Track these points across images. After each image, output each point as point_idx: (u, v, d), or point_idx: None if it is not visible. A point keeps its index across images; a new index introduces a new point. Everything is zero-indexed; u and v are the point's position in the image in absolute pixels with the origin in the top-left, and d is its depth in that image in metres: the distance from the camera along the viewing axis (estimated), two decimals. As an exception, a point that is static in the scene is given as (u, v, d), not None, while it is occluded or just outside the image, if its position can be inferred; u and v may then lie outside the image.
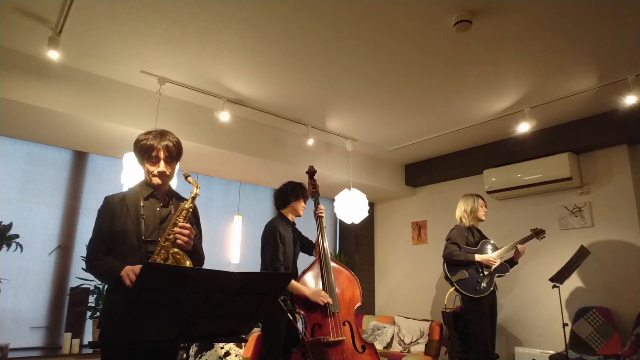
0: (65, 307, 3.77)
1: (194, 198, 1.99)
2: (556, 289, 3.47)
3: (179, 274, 1.35)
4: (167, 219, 1.97)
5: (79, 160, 4.10)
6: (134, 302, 1.28)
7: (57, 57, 2.78)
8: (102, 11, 2.62)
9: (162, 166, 1.96)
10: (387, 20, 2.66)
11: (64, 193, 3.97)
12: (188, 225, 1.89)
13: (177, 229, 1.86)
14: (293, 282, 2.89)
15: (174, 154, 2.00)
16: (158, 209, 1.99)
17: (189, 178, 2.01)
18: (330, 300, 2.87)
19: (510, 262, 3.61)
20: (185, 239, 1.86)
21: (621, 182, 3.97)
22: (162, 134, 1.99)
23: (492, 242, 3.66)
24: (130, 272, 1.74)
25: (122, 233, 1.89)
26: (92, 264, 1.88)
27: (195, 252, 1.98)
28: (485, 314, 3.39)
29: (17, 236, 3.44)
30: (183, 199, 2.08)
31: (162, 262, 1.80)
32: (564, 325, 3.35)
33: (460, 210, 3.77)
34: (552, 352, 3.81)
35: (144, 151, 1.95)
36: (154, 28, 2.78)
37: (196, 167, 4.53)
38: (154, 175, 1.96)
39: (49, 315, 3.73)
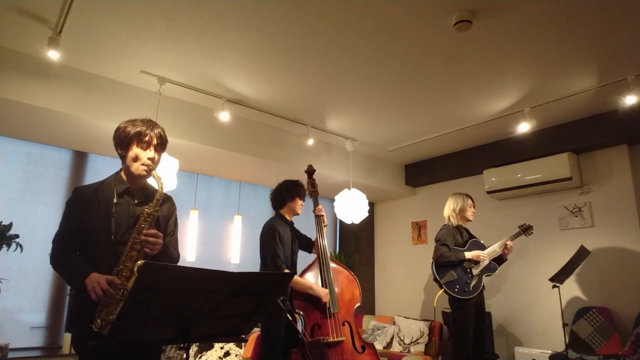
0: (65, 307, 3.77)
1: (158, 199, 1.76)
2: (556, 289, 3.47)
3: (179, 274, 1.35)
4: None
5: (79, 160, 4.10)
6: (133, 302, 1.28)
7: (57, 57, 2.77)
8: (102, 11, 2.62)
9: (152, 152, 1.81)
10: (387, 20, 2.66)
11: (64, 193, 3.96)
12: (153, 231, 1.72)
13: (142, 237, 1.69)
14: (296, 277, 2.90)
15: (165, 142, 1.88)
16: (132, 206, 1.80)
17: (152, 172, 1.80)
18: (327, 300, 2.88)
19: (499, 261, 3.60)
20: (152, 247, 1.70)
21: (621, 182, 3.97)
22: (152, 122, 1.86)
23: (480, 241, 3.64)
24: (96, 285, 1.56)
25: (90, 231, 1.72)
26: (57, 262, 1.74)
27: (165, 253, 1.80)
28: (471, 315, 3.38)
29: (17, 236, 3.43)
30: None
31: (126, 277, 1.64)
32: (564, 325, 3.35)
33: (449, 208, 3.73)
34: (552, 352, 3.80)
35: (133, 137, 1.79)
36: (154, 28, 2.78)
37: (196, 167, 4.53)
38: (142, 163, 1.79)
39: (49, 315, 3.73)
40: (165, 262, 1.70)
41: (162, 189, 1.77)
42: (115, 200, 1.78)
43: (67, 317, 3.71)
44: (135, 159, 1.81)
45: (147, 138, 1.80)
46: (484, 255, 3.46)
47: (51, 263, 1.78)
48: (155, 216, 1.78)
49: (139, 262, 1.66)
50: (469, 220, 3.72)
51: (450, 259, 3.45)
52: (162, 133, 1.86)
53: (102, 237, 1.72)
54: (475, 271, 3.45)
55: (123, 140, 1.82)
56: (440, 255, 3.49)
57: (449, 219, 3.72)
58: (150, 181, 1.93)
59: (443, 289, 3.44)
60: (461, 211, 3.67)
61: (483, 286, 3.50)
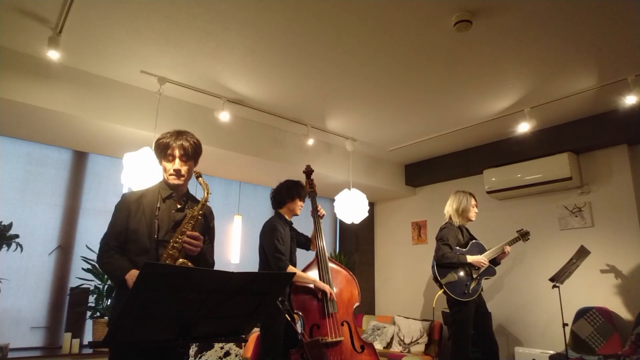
0: (65, 307, 3.77)
1: (204, 204, 1.97)
2: (556, 289, 3.47)
3: (179, 274, 1.35)
4: (181, 223, 1.96)
5: (79, 160, 4.10)
6: (134, 302, 1.28)
7: (57, 57, 2.78)
8: (102, 11, 2.62)
9: (177, 164, 1.96)
10: (387, 20, 2.66)
11: (64, 193, 3.97)
12: (196, 233, 1.88)
13: (185, 238, 1.85)
14: (298, 272, 2.90)
15: (190, 153, 1.99)
16: (174, 211, 1.98)
17: (200, 179, 2.01)
18: (328, 289, 2.88)
19: (493, 263, 3.59)
20: (193, 248, 1.86)
21: (621, 182, 3.97)
22: (179, 133, 2.01)
23: (480, 243, 3.64)
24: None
25: (134, 232, 1.89)
26: (102, 261, 1.89)
27: (202, 258, 1.96)
28: (470, 317, 3.37)
29: (17, 236, 3.44)
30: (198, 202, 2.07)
31: None
32: (564, 325, 3.34)
33: (451, 207, 3.65)
34: (552, 352, 3.80)
35: (161, 149, 1.98)
36: (154, 28, 2.79)
37: (197, 167, 4.52)
38: (170, 174, 1.97)
39: (49, 315, 3.73)
40: (202, 267, 1.91)
41: (208, 194, 1.98)
42: (158, 205, 1.95)
43: (68, 317, 3.72)
44: (165, 170, 2.00)
45: (169, 151, 1.97)
46: (485, 262, 3.46)
47: (97, 262, 1.97)
48: (198, 219, 1.93)
49: (180, 260, 1.82)
50: (471, 220, 3.68)
51: (452, 261, 3.42)
52: (186, 144, 1.98)
53: (144, 237, 1.88)
54: (475, 273, 3.45)
55: (156, 154, 2.03)
56: (442, 255, 3.45)
57: (450, 218, 3.66)
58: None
59: (443, 290, 3.43)
60: (464, 212, 3.61)
61: (482, 288, 3.50)
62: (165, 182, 2.03)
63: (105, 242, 1.91)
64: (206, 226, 2.07)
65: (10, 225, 3.42)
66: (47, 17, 2.68)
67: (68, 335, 3.54)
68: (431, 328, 4.67)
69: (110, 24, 2.75)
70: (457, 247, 3.52)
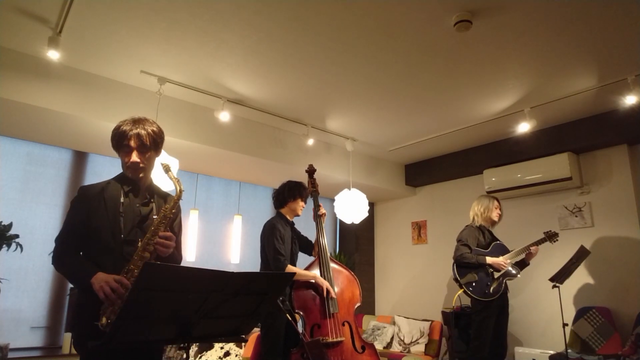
0: (65, 307, 3.77)
1: (176, 202, 1.78)
2: (556, 289, 3.47)
3: (179, 274, 1.35)
4: (148, 218, 1.80)
5: (79, 160, 4.10)
6: (134, 302, 1.28)
7: (57, 57, 2.77)
8: (102, 11, 2.62)
9: (134, 156, 1.76)
10: (387, 21, 2.66)
11: (64, 193, 3.96)
12: (169, 234, 1.74)
13: (158, 239, 1.69)
14: (298, 269, 2.91)
15: (148, 142, 1.79)
16: (138, 205, 1.80)
17: (169, 173, 1.78)
18: (327, 285, 2.89)
19: (521, 264, 3.61)
20: (166, 250, 1.71)
21: (621, 182, 3.97)
22: (136, 121, 1.81)
23: (503, 244, 3.66)
24: (104, 284, 1.55)
25: (96, 230, 1.70)
26: (60, 262, 1.71)
27: (172, 257, 1.80)
28: (491, 318, 3.40)
29: (17, 236, 3.43)
30: (166, 196, 1.90)
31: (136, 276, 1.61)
32: (564, 325, 3.34)
33: (474, 210, 3.79)
34: (552, 352, 3.80)
35: (117, 139, 1.79)
36: (154, 28, 2.78)
37: (196, 167, 4.53)
38: (127, 167, 1.79)
39: (49, 315, 3.73)
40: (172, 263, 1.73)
41: (180, 191, 1.78)
42: (122, 200, 1.77)
43: (68, 317, 3.72)
44: (122, 162, 1.82)
45: (125, 142, 1.78)
46: (504, 265, 3.47)
47: (53, 263, 1.75)
48: (171, 219, 1.77)
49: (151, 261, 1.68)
50: (495, 222, 3.76)
51: (470, 261, 3.47)
52: (143, 132, 1.78)
53: (108, 236, 1.71)
54: (496, 274, 3.46)
55: (112, 143, 1.83)
56: (460, 256, 3.52)
57: (473, 220, 3.77)
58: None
59: (463, 289, 3.46)
60: (486, 211, 3.70)
61: (506, 286, 3.52)
62: (125, 175, 1.84)
63: (62, 241, 1.73)
64: (173, 220, 1.88)
65: (10, 225, 3.41)
66: (47, 17, 2.67)
67: (68, 335, 3.54)
68: (431, 328, 4.67)
69: (110, 24, 2.75)
70: (478, 248, 3.55)
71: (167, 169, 1.79)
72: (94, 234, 1.71)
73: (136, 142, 1.77)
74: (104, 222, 1.72)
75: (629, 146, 4.01)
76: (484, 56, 3.04)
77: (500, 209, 3.78)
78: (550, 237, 3.63)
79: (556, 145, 4.21)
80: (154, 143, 1.83)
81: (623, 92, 3.38)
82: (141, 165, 1.79)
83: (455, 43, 2.89)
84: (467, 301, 3.98)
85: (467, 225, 3.75)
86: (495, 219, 3.74)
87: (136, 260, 1.67)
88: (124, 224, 1.74)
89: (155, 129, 1.85)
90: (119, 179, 1.84)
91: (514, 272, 3.56)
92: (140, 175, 1.81)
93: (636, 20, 2.62)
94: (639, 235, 3.77)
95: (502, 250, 3.62)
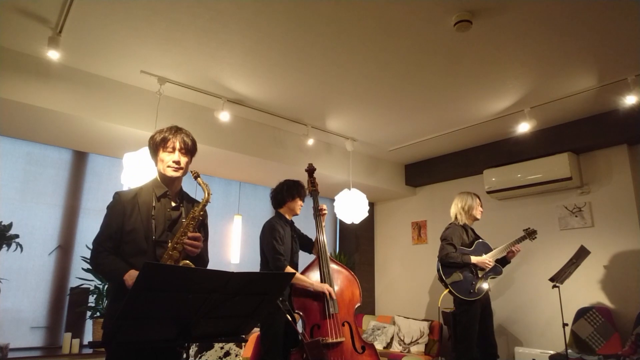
0: (65, 307, 3.78)
1: (204, 205, 1.93)
2: (556, 289, 3.47)
3: (179, 274, 1.35)
4: (177, 222, 1.94)
5: (79, 160, 4.10)
6: (134, 302, 1.28)
7: (57, 57, 2.78)
8: (102, 11, 2.62)
9: (177, 155, 1.94)
10: (387, 20, 2.66)
11: (64, 193, 3.97)
12: (198, 234, 1.87)
13: (186, 240, 1.83)
14: (297, 274, 2.90)
15: (190, 147, 1.99)
16: (169, 210, 1.95)
17: (198, 179, 1.95)
18: (330, 292, 2.88)
19: (503, 262, 3.60)
20: (194, 250, 1.84)
21: (621, 182, 3.97)
22: (177, 129, 2.00)
23: (486, 242, 3.64)
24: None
25: (130, 233, 1.85)
26: (97, 262, 1.84)
27: (200, 258, 1.95)
28: (476, 317, 3.38)
29: (17, 236, 3.44)
30: (194, 201, 2.06)
31: None
32: (564, 325, 3.34)
33: (457, 207, 3.72)
34: (552, 352, 3.80)
35: (159, 142, 1.94)
36: (154, 28, 2.78)
37: (196, 167, 4.49)
38: (168, 165, 1.93)
39: (49, 315, 3.73)
40: (199, 266, 1.89)
41: (209, 194, 1.94)
42: (154, 204, 1.92)
43: (68, 317, 3.72)
44: (162, 161, 1.96)
45: (169, 144, 1.94)
46: (489, 263, 3.47)
47: (91, 264, 1.91)
48: (200, 220, 1.91)
49: (182, 261, 1.81)
50: (477, 219, 3.72)
51: (456, 260, 3.44)
52: (186, 138, 1.98)
53: (141, 238, 1.85)
54: (480, 273, 3.46)
55: (151, 150, 1.99)
56: (445, 255, 3.47)
57: (456, 218, 3.71)
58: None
59: (448, 289, 3.44)
60: (469, 209, 3.66)
61: (489, 288, 3.50)
62: (159, 179, 1.99)
63: (99, 242, 1.86)
64: (201, 224, 2.04)
65: (10, 225, 3.42)
66: (47, 17, 2.67)
67: (68, 335, 3.54)
68: (431, 328, 4.67)
69: (110, 24, 2.75)
70: (462, 247, 3.53)
71: (196, 176, 1.96)
72: (128, 237, 1.85)
73: (180, 145, 1.95)
74: (138, 225, 1.86)
75: (629, 146, 4.01)
76: (484, 56, 3.04)
77: (482, 206, 3.75)
78: (530, 234, 3.64)
79: (556, 145, 4.21)
80: (193, 150, 2.03)
81: (623, 92, 3.38)
82: (182, 165, 1.96)
83: (455, 43, 2.89)
84: (448, 303, 3.94)
85: (450, 224, 3.69)
86: (479, 216, 3.70)
87: (166, 259, 1.79)
88: (156, 227, 1.88)
89: (193, 138, 2.04)
90: (151, 184, 1.99)
91: (498, 270, 3.55)
92: (177, 176, 1.96)
93: (636, 20, 2.61)
94: (639, 235, 3.77)
95: (486, 249, 3.60)
